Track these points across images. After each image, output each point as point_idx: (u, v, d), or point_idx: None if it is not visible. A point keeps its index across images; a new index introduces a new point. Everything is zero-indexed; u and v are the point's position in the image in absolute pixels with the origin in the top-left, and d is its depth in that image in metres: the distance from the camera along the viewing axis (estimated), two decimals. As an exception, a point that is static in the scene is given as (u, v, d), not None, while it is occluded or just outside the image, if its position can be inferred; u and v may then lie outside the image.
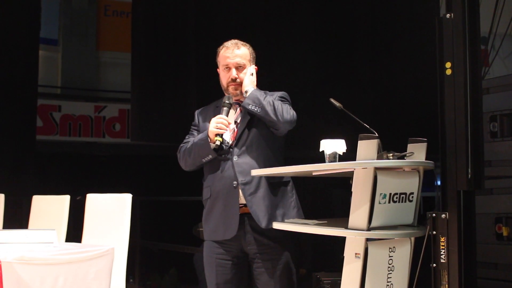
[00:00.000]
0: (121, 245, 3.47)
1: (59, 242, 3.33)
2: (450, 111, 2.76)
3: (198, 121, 2.93)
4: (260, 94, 2.72)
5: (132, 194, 3.63)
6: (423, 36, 5.66)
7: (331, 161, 2.44)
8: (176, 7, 6.43)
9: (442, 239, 2.69)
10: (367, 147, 2.26)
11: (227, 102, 2.79)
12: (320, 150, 2.48)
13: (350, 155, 2.41)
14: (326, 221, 2.55)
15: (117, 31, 9.87)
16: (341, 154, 2.46)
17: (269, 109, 2.67)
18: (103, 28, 10.16)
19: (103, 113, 9.03)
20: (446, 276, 2.66)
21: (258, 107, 2.68)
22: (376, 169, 2.26)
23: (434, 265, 2.69)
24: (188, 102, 6.13)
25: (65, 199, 4.00)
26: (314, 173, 2.53)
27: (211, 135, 2.71)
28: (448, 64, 2.77)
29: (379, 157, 2.30)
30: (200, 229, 5.10)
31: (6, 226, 4.34)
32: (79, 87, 9.48)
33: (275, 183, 2.75)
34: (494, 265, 4.32)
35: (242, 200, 2.70)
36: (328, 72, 6.42)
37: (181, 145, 2.87)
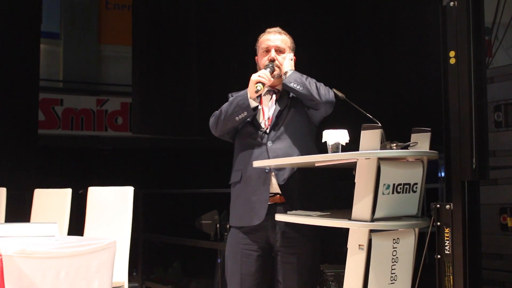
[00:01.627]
0: (123, 238, 3.45)
1: (61, 236, 3.32)
2: (454, 101, 2.73)
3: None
4: (301, 75, 2.70)
5: (134, 187, 3.61)
6: (427, 25, 5.62)
7: (334, 152, 2.42)
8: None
9: (446, 230, 2.67)
10: (370, 137, 2.24)
11: (270, 65, 2.75)
12: (323, 140, 2.46)
13: (353, 146, 2.39)
14: (329, 213, 2.53)
15: (119, 24, 9.84)
16: (344, 144, 2.44)
17: (312, 87, 2.65)
18: (105, 22, 10.12)
19: (105, 107, 9.01)
20: (450, 267, 2.64)
21: (301, 86, 2.65)
22: (380, 159, 2.24)
23: (439, 256, 2.68)
24: (190, 95, 6.12)
25: (67, 193, 3.98)
26: (316, 164, 2.51)
27: (251, 84, 2.66)
28: (452, 53, 2.75)
29: (383, 147, 2.27)
30: (202, 221, 5.11)
31: (8, 219, 4.33)
32: (81, 80, 9.46)
33: (308, 169, 2.69)
34: (499, 256, 4.30)
35: (273, 189, 2.66)
36: (331, 62, 6.39)
37: (215, 112, 2.81)
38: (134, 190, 3.59)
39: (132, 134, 7.66)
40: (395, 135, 2.41)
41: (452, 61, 2.75)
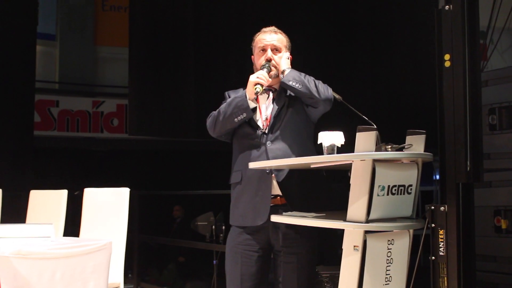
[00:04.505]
0: (119, 240, 3.46)
1: (57, 237, 3.32)
2: (449, 104, 2.75)
3: (229, 97, 2.83)
4: (299, 73, 2.69)
5: (130, 188, 3.61)
6: (422, 28, 5.65)
7: (329, 153, 2.42)
8: (174, 1, 6.41)
9: (441, 232, 2.69)
10: (365, 139, 2.25)
11: (267, 65, 2.74)
12: (318, 142, 2.47)
13: (348, 147, 2.40)
14: (324, 214, 2.54)
15: (115, 26, 9.85)
16: (339, 146, 2.45)
17: (311, 85, 2.64)
18: (101, 23, 10.13)
19: (101, 108, 9.02)
20: (445, 268, 2.65)
21: (299, 84, 2.64)
22: (375, 161, 2.25)
23: (433, 257, 2.69)
24: (186, 97, 6.12)
25: (63, 194, 3.98)
26: (312, 166, 2.52)
27: (250, 86, 2.65)
28: (447, 56, 2.76)
29: (378, 149, 2.28)
30: (198, 223, 5.12)
31: (4, 221, 4.33)
32: (77, 82, 9.47)
33: (307, 169, 2.67)
34: (493, 257, 4.32)
35: (274, 190, 2.65)
36: (327, 65, 6.41)
37: (212, 112, 2.79)
38: (130, 192, 3.60)
39: (128, 136, 7.66)
40: (390, 137, 2.42)
41: (447, 64, 2.76)
